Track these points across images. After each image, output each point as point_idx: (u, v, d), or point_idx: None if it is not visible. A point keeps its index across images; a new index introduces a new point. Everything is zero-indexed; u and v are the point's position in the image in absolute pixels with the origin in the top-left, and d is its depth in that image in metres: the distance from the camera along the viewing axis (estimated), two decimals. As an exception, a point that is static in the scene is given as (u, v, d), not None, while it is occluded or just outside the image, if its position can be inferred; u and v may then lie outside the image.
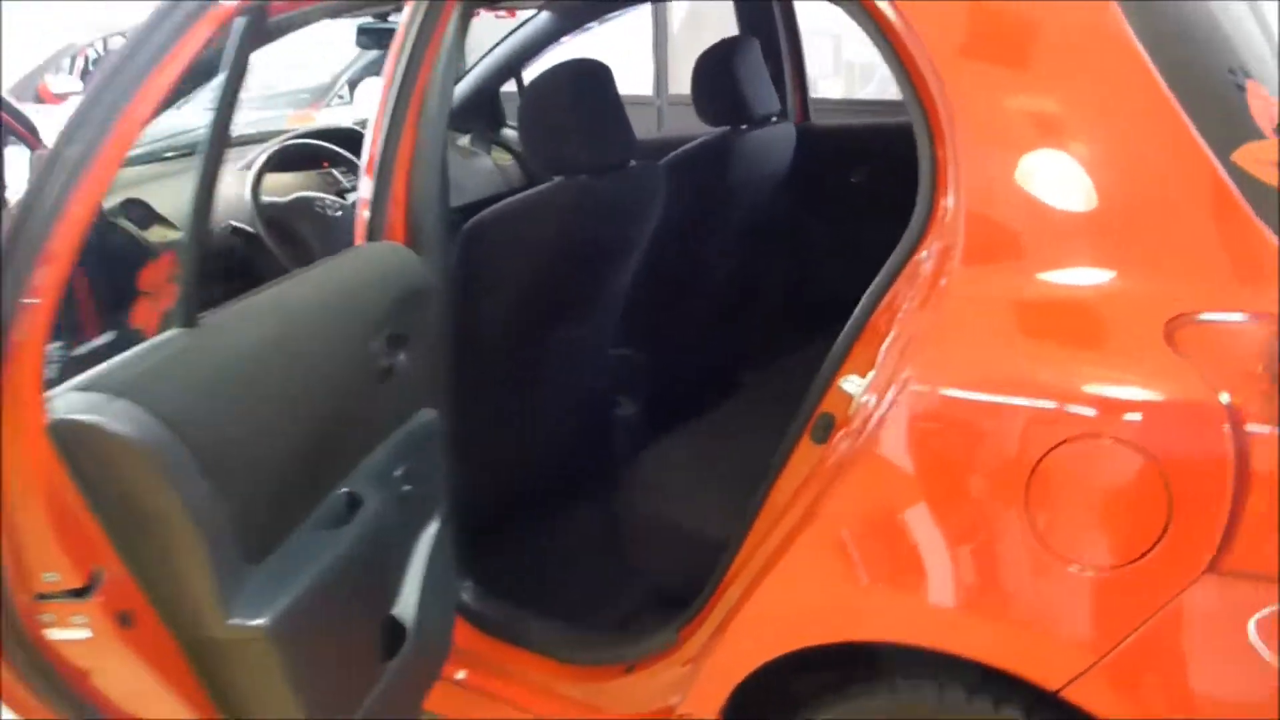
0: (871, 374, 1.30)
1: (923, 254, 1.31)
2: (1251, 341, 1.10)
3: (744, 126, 2.44)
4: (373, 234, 1.64)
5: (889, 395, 1.22)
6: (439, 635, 1.72)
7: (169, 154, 2.85)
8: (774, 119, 2.56)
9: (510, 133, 3.23)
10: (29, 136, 2.18)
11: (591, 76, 1.90)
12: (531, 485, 2.17)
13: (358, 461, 1.45)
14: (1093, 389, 1.12)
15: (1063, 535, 1.15)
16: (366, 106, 3.71)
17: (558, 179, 1.89)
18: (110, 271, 2.37)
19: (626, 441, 2.48)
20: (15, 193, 2.32)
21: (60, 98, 6.95)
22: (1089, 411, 1.12)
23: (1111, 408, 1.12)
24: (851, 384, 1.33)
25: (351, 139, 2.93)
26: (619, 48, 6.00)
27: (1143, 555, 1.11)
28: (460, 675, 1.89)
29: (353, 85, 6.25)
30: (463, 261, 1.85)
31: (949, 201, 1.26)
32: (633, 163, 2.00)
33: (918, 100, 1.29)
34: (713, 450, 2.03)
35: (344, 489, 1.41)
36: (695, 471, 1.90)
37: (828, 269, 2.81)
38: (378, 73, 4.51)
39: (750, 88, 2.41)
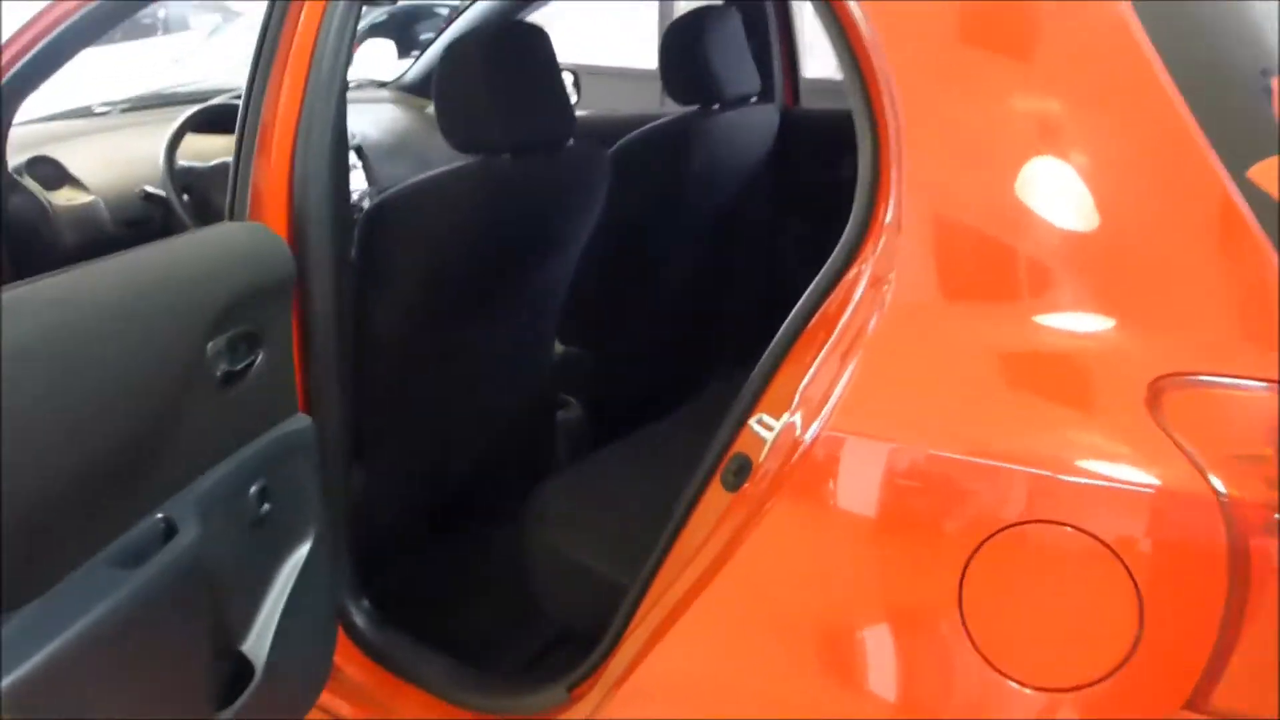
0: (787, 416, 1.06)
1: (857, 271, 1.07)
2: (1257, 412, 0.85)
3: (716, 107, 2.19)
4: (232, 212, 1.40)
5: (805, 443, 0.99)
6: (308, 670, 1.50)
7: (101, 109, 2.63)
8: (753, 99, 2.30)
9: None
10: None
11: (518, 41, 1.66)
12: (444, 500, 1.95)
13: (186, 482, 1.23)
14: (1049, 462, 0.88)
15: (1003, 641, 0.91)
16: (368, 69, 3.50)
17: (473, 158, 1.65)
18: (8, 235, 2.16)
19: (569, 448, 2.26)
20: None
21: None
22: (1043, 489, 0.88)
23: (1070, 488, 0.87)
24: (764, 425, 1.09)
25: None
26: (626, 15, 5.73)
27: (1103, 678, 0.87)
28: (345, 713, 1.68)
29: (357, 44, 6.02)
30: (362, 250, 1.62)
31: (889, 212, 1.01)
32: (570, 142, 1.76)
33: (859, 76, 1.04)
34: (645, 470, 1.79)
35: (159, 515, 1.18)
36: (616, 497, 1.66)
37: (808, 271, 2.57)
38: (384, 34, 4.28)
39: (724, 63, 2.15)
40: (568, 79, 3.00)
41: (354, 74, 3.69)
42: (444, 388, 1.83)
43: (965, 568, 0.90)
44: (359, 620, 1.67)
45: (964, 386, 0.94)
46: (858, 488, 0.98)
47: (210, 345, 1.24)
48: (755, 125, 2.33)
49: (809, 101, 2.68)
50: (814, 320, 1.10)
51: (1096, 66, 0.94)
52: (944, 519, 0.92)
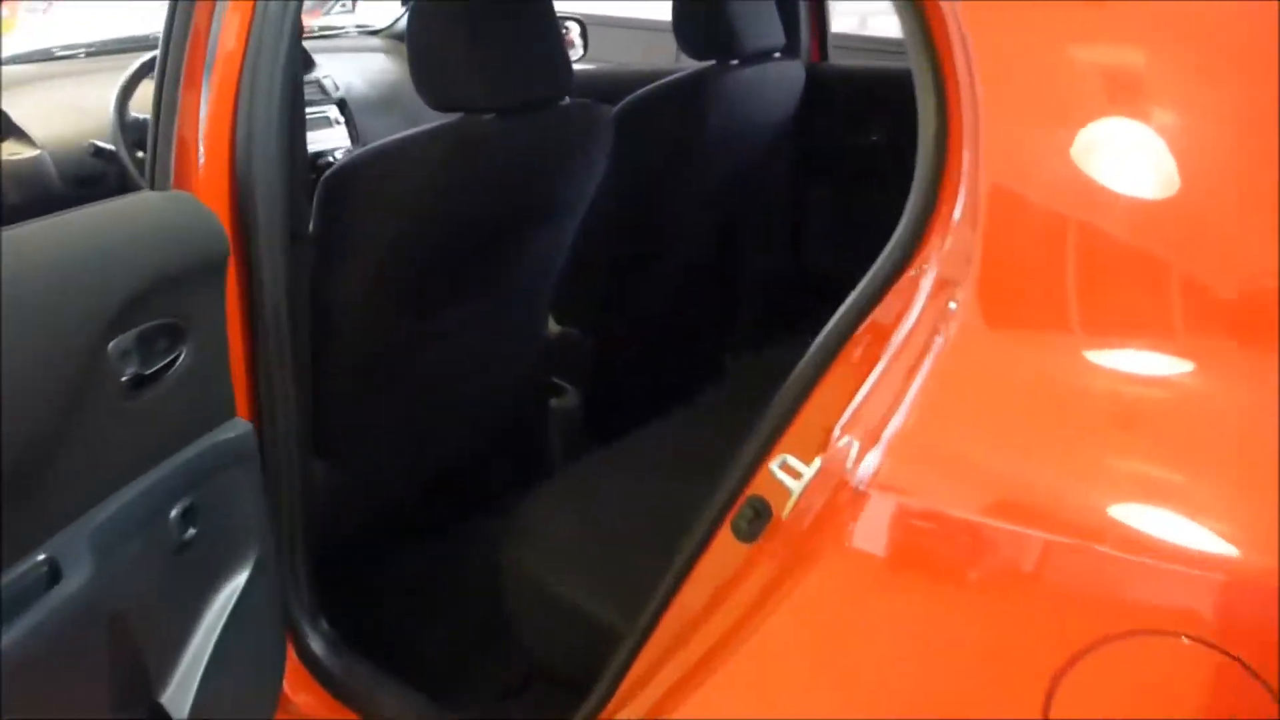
0: (823, 459, 0.84)
1: (917, 271, 0.84)
2: None
3: (734, 62, 1.94)
4: (154, 179, 1.17)
5: (855, 497, 0.77)
6: (245, 715, 1.30)
7: (62, 53, 2.40)
8: (777, 55, 2.05)
9: None
10: None
11: None
12: (419, 499, 1.74)
13: (79, 511, 1.01)
14: (1158, 551, 0.66)
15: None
16: (373, 14, 3.25)
17: (450, 117, 1.41)
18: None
19: (564, 439, 2.04)
20: None
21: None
22: (1152, 589, 0.66)
23: (1189, 584, 0.65)
24: (789, 470, 0.86)
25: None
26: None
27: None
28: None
29: (355, -9, 5.75)
30: (320, 220, 1.40)
31: (959, 201, 0.78)
32: (566, 100, 1.52)
33: (919, 19, 0.81)
34: (645, 484, 1.57)
35: (41, 555, 0.97)
36: (610, 519, 1.44)
37: (832, 245, 2.34)
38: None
39: (744, 14, 1.91)
40: (573, 29, 2.75)
41: (345, 19, 3.46)
42: (418, 375, 1.62)
43: (1056, 684, 0.68)
44: (314, 645, 1.47)
45: (1067, 435, 0.71)
46: (919, 568, 0.76)
47: (113, 345, 1.01)
48: (778, 82, 2.08)
49: (838, 59, 2.42)
50: (857, 333, 0.87)
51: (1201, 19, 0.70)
52: (1031, 614, 0.70)
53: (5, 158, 1.95)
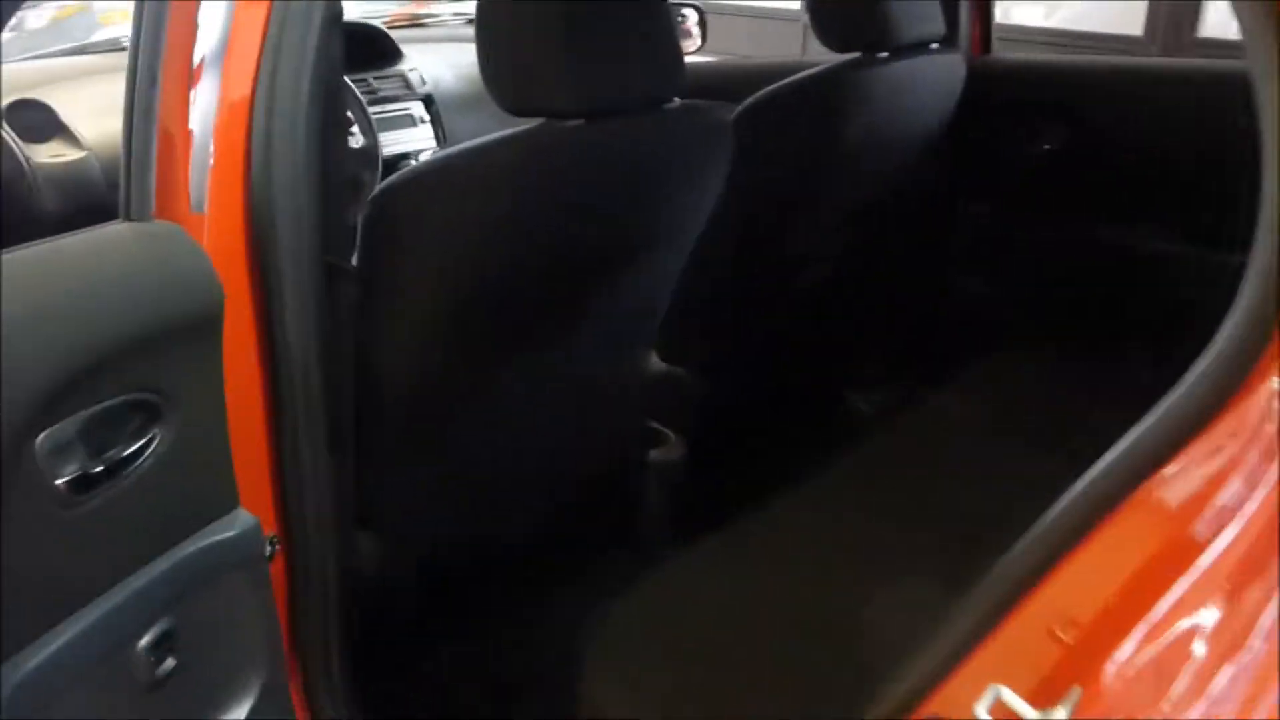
0: (1078, 692, 0.51)
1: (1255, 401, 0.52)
2: None
3: (882, 55, 1.60)
4: (129, 206, 0.90)
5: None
6: None
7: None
8: (933, 46, 1.70)
9: None
10: None
11: None
12: (481, 580, 1.45)
13: (11, 648, 0.75)
14: None
15: None
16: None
17: (528, 124, 1.12)
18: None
19: (665, 497, 1.74)
20: None
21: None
22: None
23: None
24: (1004, 713, 0.54)
25: (366, 38, 2.22)
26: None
27: None
28: None
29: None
30: (365, 251, 1.12)
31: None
32: (675, 102, 1.21)
33: None
34: (760, 585, 1.26)
35: None
36: (702, 647, 1.14)
37: (984, 271, 1.99)
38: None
39: (897, 1, 1.57)
40: (690, 17, 2.43)
41: (446, 6, 3.22)
42: (484, 433, 1.33)
43: None
44: None
45: None
46: None
47: (45, 437, 0.75)
48: (935, 80, 1.73)
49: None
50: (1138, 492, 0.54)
51: None
52: None
53: (47, 160, 1.74)
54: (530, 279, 1.18)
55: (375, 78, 2.09)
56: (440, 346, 1.17)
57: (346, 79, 1.89)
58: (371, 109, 1.99)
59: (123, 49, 2.15)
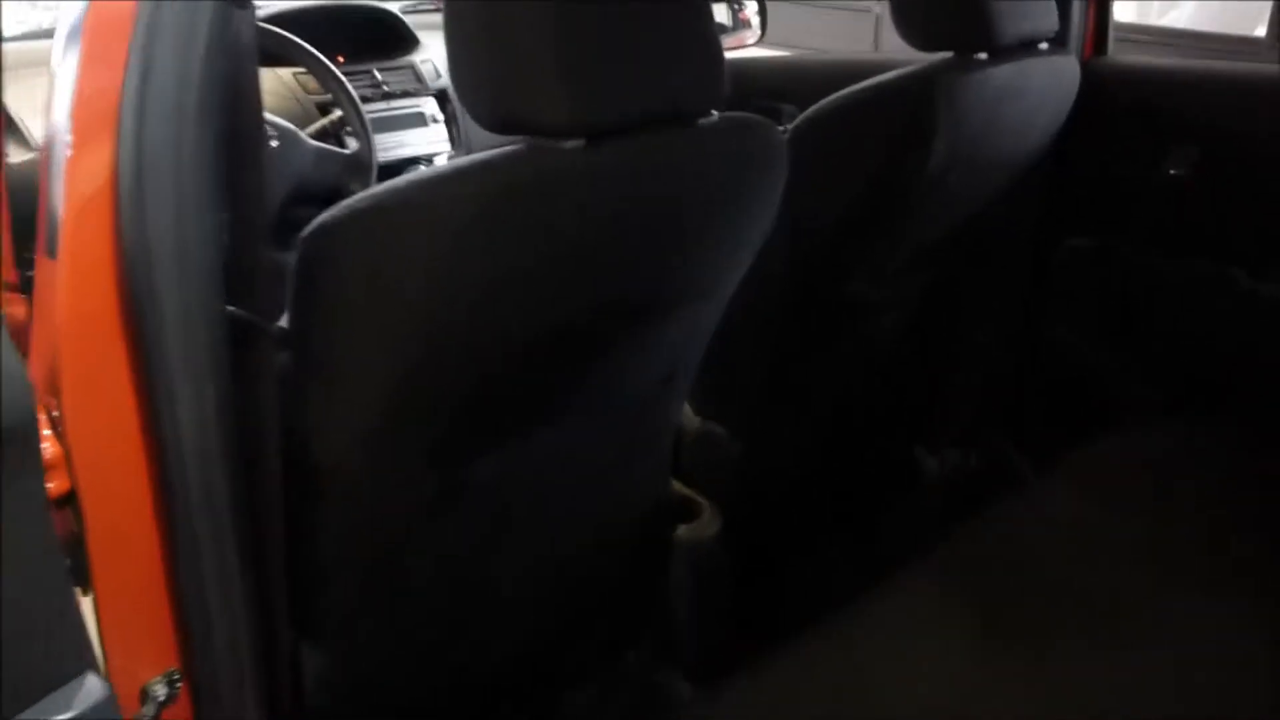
0: None
1: None
2: None
3: (983, 56, 1.30)
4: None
5: None
6: None
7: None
8: (1043, 46, 1.40)
9: None
10: None
11: None
12: (455, 702, 1.19)
13: None
14: None
15: None
16: None
17: (517, 143, 0.84)
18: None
19: (696, 583, 1.46)
20: None
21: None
22: None
23: None
24: None
25: (377, 24, 1.97)
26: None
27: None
28: None
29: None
30: (295, 307, 0.85)
31: None
32: (713, 116, 0.92)
33: None
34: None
35: None
36: None
37: (1080, 315, 1.70)
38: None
39: None
40: (749, 7, 2.14)
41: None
42: (460, 531, 1.05)
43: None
44: None
45: None
46: None
47: None
48: (1042, 87, 1.41)
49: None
50: None
51: None
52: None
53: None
54: (514, 345, 0.90)
55: (381, 69, 1.84)
56: (393, 434, 0.90)
57: (335, 70, 1.64)
58: (373, 106, 1.73)
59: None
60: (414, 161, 1.81)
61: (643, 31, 0.86)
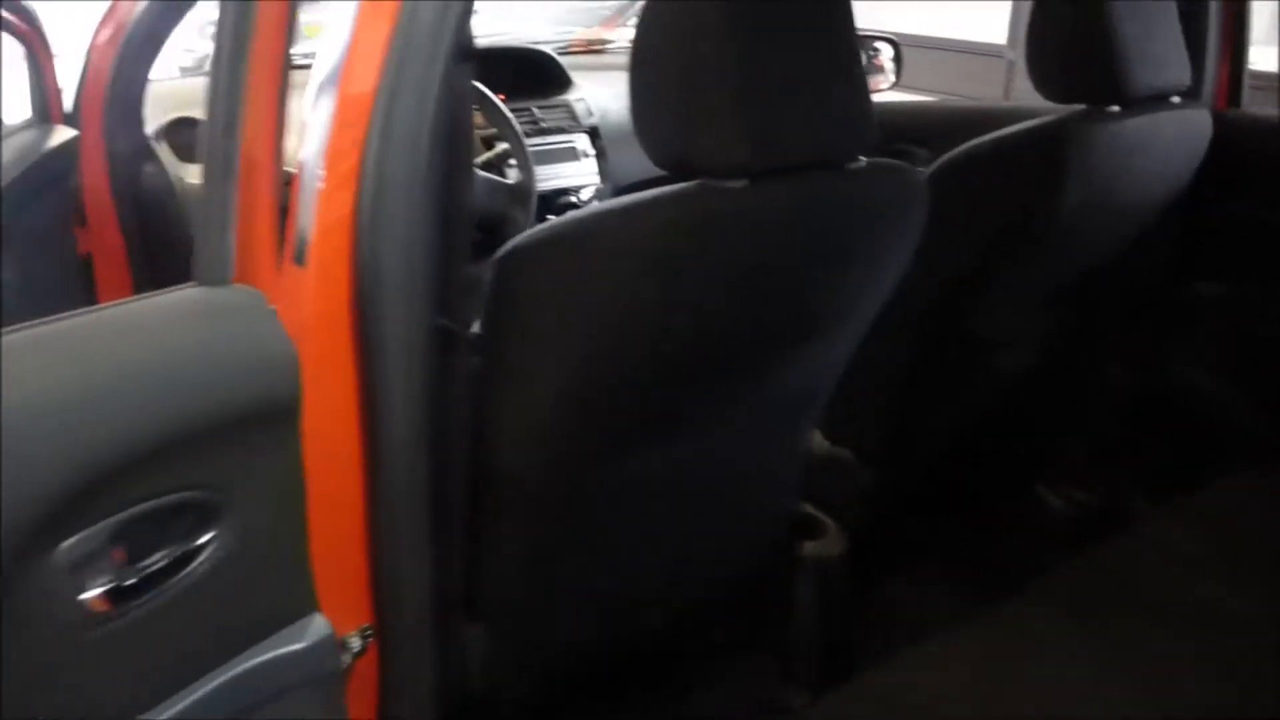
0: None
1: None
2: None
3: (1115, 109, 1.36)
4: (200, 266, 0.77)
5: None
6: None
7: (299, 61, 2.14)
8: (1175, 99, 1.45)
9: None
10: (17, 25, 1.52)
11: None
12: (600, 679, 1.29)
13: None
14: None
15: None
16: None
17: (684, 183, 0.95)
18: (138, 216, 1.72)
19: (819, 596, 1.54)
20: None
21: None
22: None
23: None
24: None
25: (534, 65, 2.12)
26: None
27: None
28: None
29: (656, 4, 5.42)
30: (490, 318, 0.98)
31: None
32: (860, 161, 1.02)
33: None
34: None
35: None
36: None
37: (1211, 361, 1.72)
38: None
39: (1138, 42, 1.33)
40: (884, 51, 2.23)
41: (629, 33, 3.10)
42: (615, 526, 1.17)
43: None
44: None
45: None
46: None
47: (67, 547, 0.63)
48: (1174, 140, 1.46)
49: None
50: None
51: None
52: None
53: (198, 180, 1.69)
54: (678, 361, 1.01)
55: (539, 107, 1.98)
56: (568, 431, 1.01)
57: (505, 109, 1.78)
58: (531, 141, 1.87)
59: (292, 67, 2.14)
60: (565, 192, 1.95)
61: (804, 83, 0.96)
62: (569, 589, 1.18)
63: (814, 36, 0.97)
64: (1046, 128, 1.34)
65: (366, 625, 0.96)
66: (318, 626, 0.83)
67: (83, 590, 0.65)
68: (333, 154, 0.86)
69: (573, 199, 1.95)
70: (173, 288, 0.76)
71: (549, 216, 1.85)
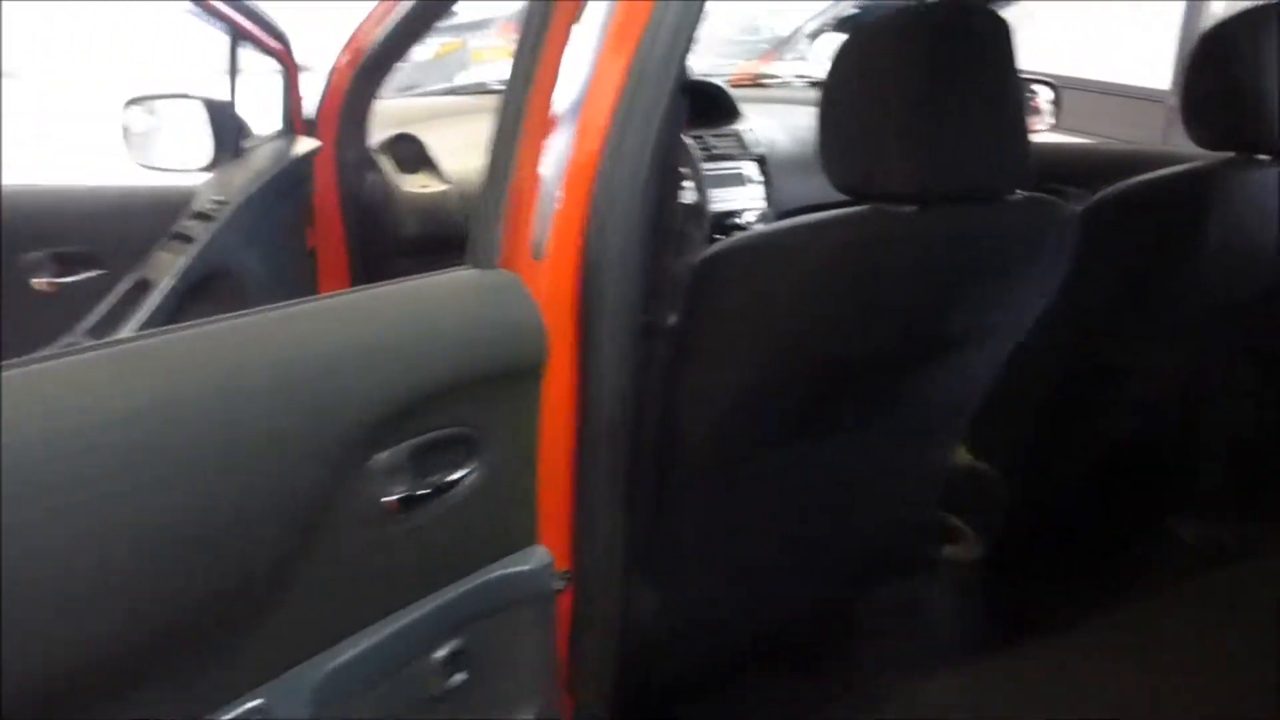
0: None
1: None
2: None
3: (1264, 157, 1.45)
4: (475, 252, 0.96)
5: None
6: None
7: (499, 85, 2.38)
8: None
9: None
10: (276, 47, 1.76)
11: (953, 38, 1.07)
12: (740, 650, 1.44)
13: (312, 650, 0.82)
14: None
15: None
16: (823, 65, 3.06)
17: (860, 206, 1.10)
18: (358, 219, 1.95)
19: (955, 597, 1.66)
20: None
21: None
22: None
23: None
24: None
25: (707, 95, 2.29)
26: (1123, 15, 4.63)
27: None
28: None
29: (812, 38, 5.58)
30: (685, 313, 1.15)
31: None
32: (1017, 194, 1.15)
33: None
34: None
35: (251, 704, 0.78)
36: None
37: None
38: (848, 30, 3.81)
39: None
40: (1042, 94, 2.33)
41: (790, 67, 3.24)
42: (773, 508, 1.32)
43: None
44: None
45: None
46: None
47: (378, 459, 0.82)
48: None
49: None
50: None
51: None
52: None
53: (412, 190, 1.92)
54: (843, 364, 1.16)
55: (712, 135, 2.15)
56: (744, 418, 1.17)
57: (683, 135, 1.96)
58: (705, 165, 2.04)
59: (484, 92, 2.37)
60: (732, 214, 2.11)
61: (969, 122, 1.09)
62: (726, 558, 1.34)
63: (980, 81, 1.10)
64: (1196, 172, 1.44)
65: (566, 570, 1.13)
66: (540, 555, 1.01)
67: (385, 494, 0.84)
68: (571, 170, 1.04)
69: (738, 220, 2.11)
70: (452, 268, 0.95)
71: (717, 235, 2.02)
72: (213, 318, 0.76)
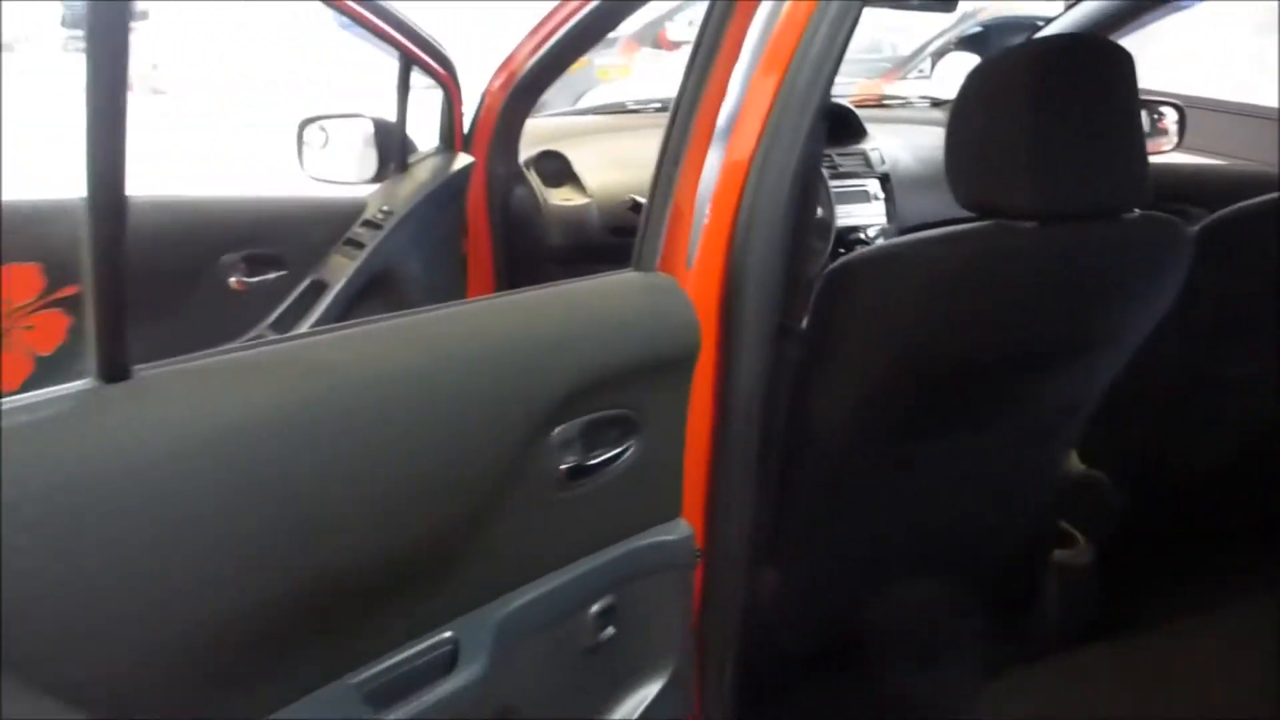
0: None
1: None
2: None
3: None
4: (640, 257, 1.10)
5: None
6: None
7: (635, 106, 2.53)
8: None
9: None
10: (440, 71, 1.94)
11: (1081, 67, 1.16)
12: (856, 639, 1.53)
13: (489, 597, 0.96)
14: None
15: None
16: (946, 85, 3.11)
17: (984, 222, 1.20)
18: (506, 230, 2.12)
19: (1066, 599, 1.72)
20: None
21: (675, 45, 7.17)
22: None
23: None
24: None
25: (835, 115, 2.38)
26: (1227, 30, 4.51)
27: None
28: None
29: (936, 58, 5.62)
30: (816, 318, 1.26)
31: None
32: (1135, 213, 1.23)
33: None
34: None
35: (446, 634, 0.92)
36: None
37: None
38: (975, 49, 3.83)
39: None
40: (1168, 115, 2.36)
41: (913, 87, 3.31)
42: (890, 504, 1.41)
43: None
44: None
45: None
46: None
47: (557, 432, 0.95)
48: None
49: None
50: None
51: None
52: None
53: (558, 202, 2.07)
54: (964, 371, 1.25)
55: (839, 154, 2.25)
56: (870, 418, 1.28)
57: None
58: (833, 183, 2.14)
59: (620, 111, 2.51)
60: (855, 230, 2.21)
61: (1089, 143, 1.17)
62: (846, 550, 1.44)
63: (1100, 107, 1.19)
64: None
65: (699, 549, 1.25)
66: (683, 528, 1.13)
67: (560, 463, 0.97)
68: (720, 187, 1.16)
69: (861, 235, 2.21)
70: (619, 270, 1.09)
71: (840, 250, 2.12)
72: (424, 308, 0.91)
